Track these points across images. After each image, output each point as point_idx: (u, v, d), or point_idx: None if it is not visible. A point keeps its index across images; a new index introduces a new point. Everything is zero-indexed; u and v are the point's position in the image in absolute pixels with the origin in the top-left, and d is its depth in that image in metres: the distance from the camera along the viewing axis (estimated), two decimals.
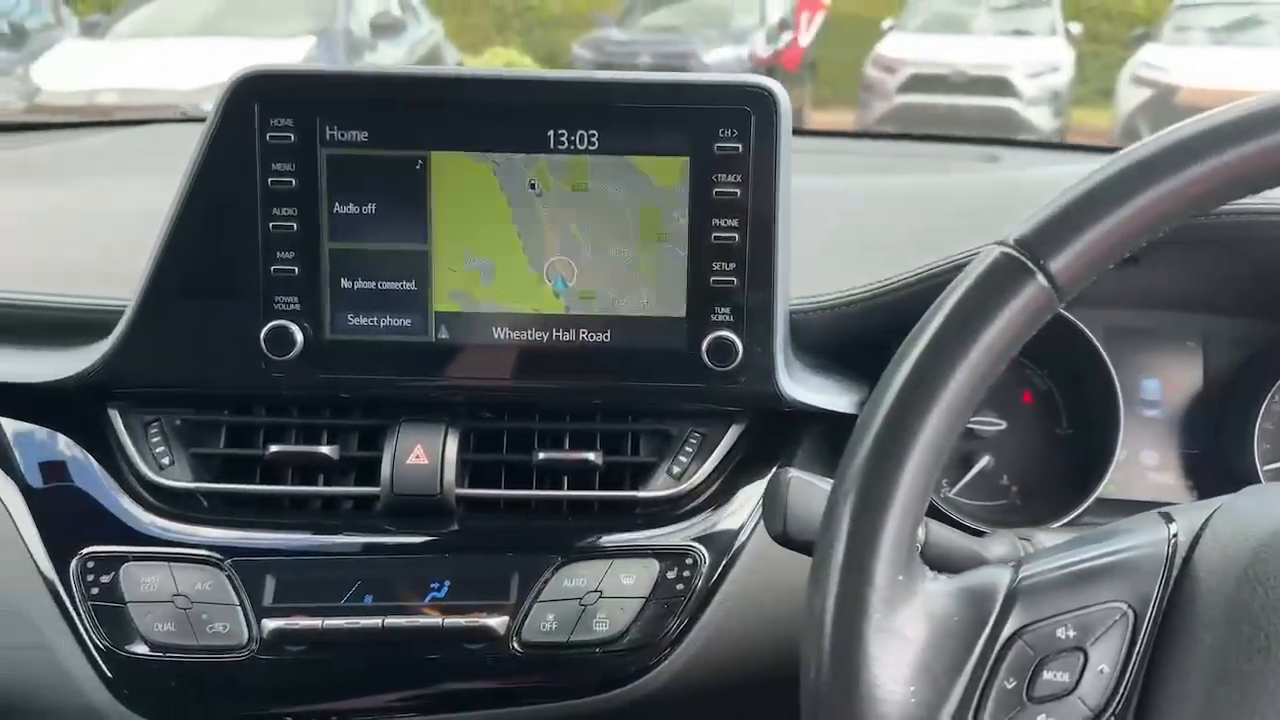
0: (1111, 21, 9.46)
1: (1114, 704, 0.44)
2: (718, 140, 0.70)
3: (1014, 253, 0.45)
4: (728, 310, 0.72)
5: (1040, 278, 0.45)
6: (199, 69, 4.61)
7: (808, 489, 0.56)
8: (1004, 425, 0.83)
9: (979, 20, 7.77)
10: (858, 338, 0.78)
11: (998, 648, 0.45)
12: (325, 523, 0.75)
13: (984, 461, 0.83)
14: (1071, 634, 0.45)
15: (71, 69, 5.32)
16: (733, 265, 0.72)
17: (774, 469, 0.76)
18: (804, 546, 0.57)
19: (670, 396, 0.75)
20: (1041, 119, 6.75)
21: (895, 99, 6.83)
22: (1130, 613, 0.45)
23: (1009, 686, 0.44)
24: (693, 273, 0.72)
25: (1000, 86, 6.83)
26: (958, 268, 0.75)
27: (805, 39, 6.30)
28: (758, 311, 0.72)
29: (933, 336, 0.45)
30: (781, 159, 0.70)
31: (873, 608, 0.44)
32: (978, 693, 0.45)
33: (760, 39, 7.53)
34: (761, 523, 0.74)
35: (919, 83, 6.86)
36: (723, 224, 0.71)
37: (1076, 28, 7.90)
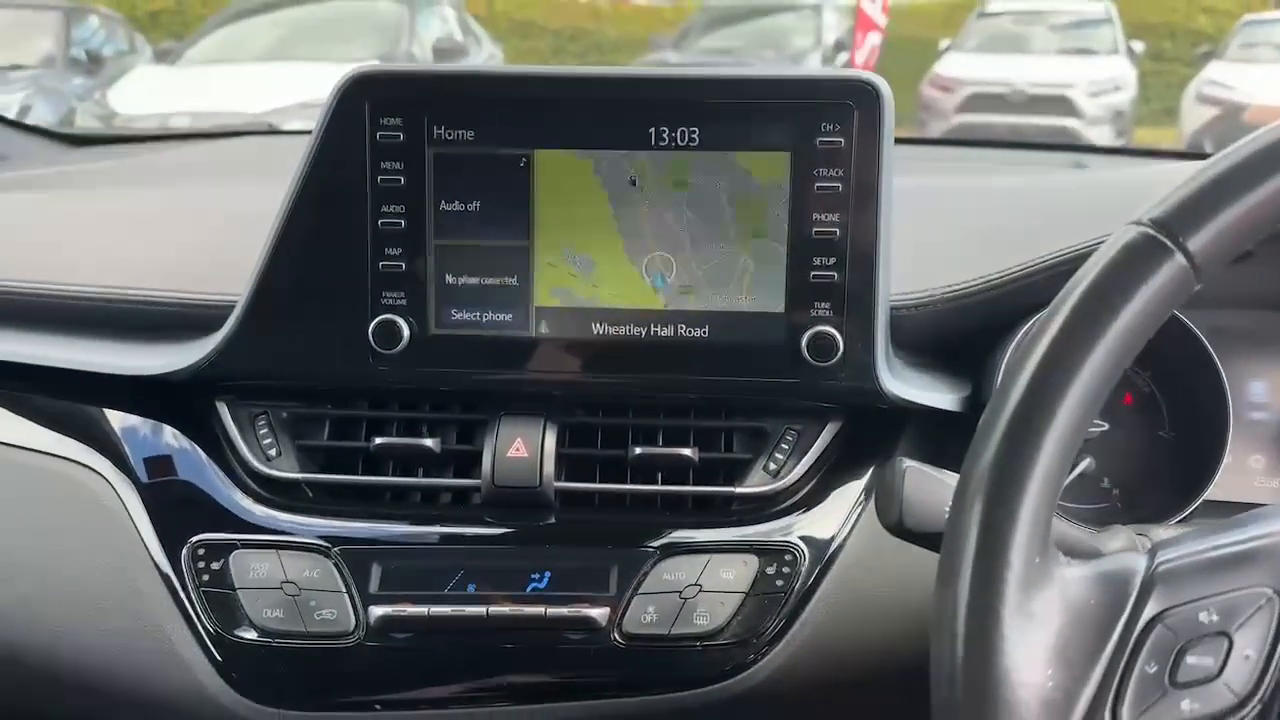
0: (1175, 39, 9.32)
1: (1261, 690, 0.43)
2: (820, 135, 0.71)
3: (1151, 232, 0.45)
4: (828, 305, 0.72)
5: (1179, 256, 0.44)
6: (268, 92, 4.74)
7: (924, 478, 0.56)
8: (1105, 427, 0.82)
9: (1039, 39, 7.69)
10: (957, 335, 0.77)
11: (1137, 632, 0.44)
12: (427, 513, 0.76)
13: (1085, 463, 0.82)
14: (1214, 618, 0.44)
15: (146, 94, 5.49)
16: (833, 260, 0.72)
17: (872, 467, 0.76)
18: (920, 537, 0.57)
19: (768, 392, 0.75)
20: (1103, 138, 6.65)
21: (953, 119, 6.79)
22: (1276, 599, 0.44)
23: (1150, 671, 0.44)
24: (792, 267, 0.72)
25: (1061, 105, 6.76)
26: (1062, 262, 0.75)
27: (861, 59, 6.31)
28: (858, 306, 0.72)
29: (1069, 315, 0.45)
30: (885, 153, 0.70)
31: (1009, 590, 0.44)
32: (1117, 677, 0.44)
33: (816, 60, 7.54)
34: (861, 520, 0.74)
35: (978, 102, 6.81)
36: (824, 219, 0.72)
37: (1139, 46, 7.78)
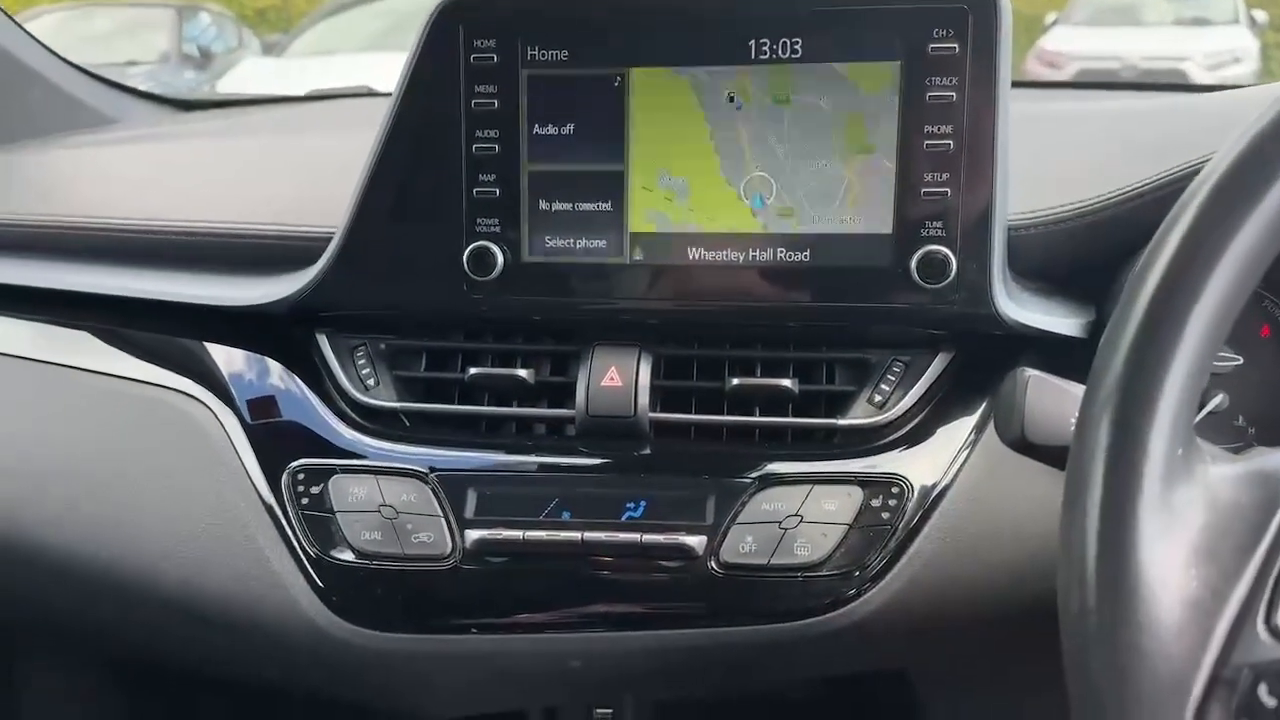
0: None
1: None
2: (932, 42, 0.67)
3: None
4: (940, 224, 0.69)
5: None
6: (370, 79, 4.83)
7: (1049, 387, 0.52)
8: (1240, 361, 0.76)
9: (1152, 9, 7.34)
10: (1079, 258, 0.73)
11: None
12: (522, 443, 0.75)
13: (1217, 399, 0.76)
14: None
15: (253, 84, 5.67)
16: (946, 175, 0.68)
17: (985, 401, 0.71)
18: (1043, 452, 0.53)
19: (874, 319, 0.71)
20: None
21: None
22: None
23: None
24: (901, 185, 0.69)
25: (1176, 79, 6.43)
26: (1191, 176, 0.70)
27: None
28: (973, 224, 0.68)
29: (1222, 177, 0.41)
30: (1001, 60, 0.66)
31: (1147, 482, 0.40)
32: (1272, 578, 0.40)
33: None
34: (974, 455, 0.70)
35: (1087, 77, 6.54)
36: (936, 130, 0.68)
37: (1262, 15, 7.35)
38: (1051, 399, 0.52)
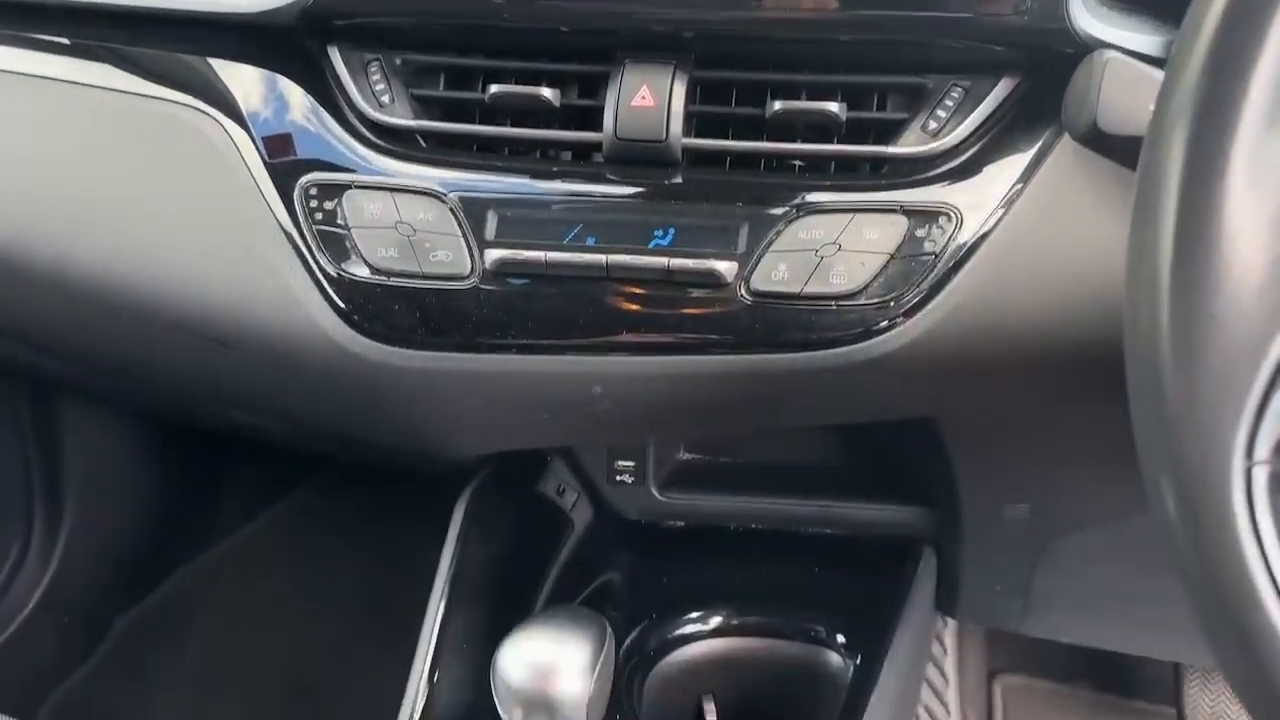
0: None
1: None
2: None
3: None
4: None
5: None
6: None
7: (1129, 72, 0.47)
8: None
9: None
10: None
11: None
12: (545, 169, 0.71)
13: None
14: None
15: None
16: None
17: (1046, 132, 0.66)
18: (1114, 144, 0.48)
19: (938, 29, 0.65)
20: None
21: None
22: None
23: None
24: None
25: None
26: None
27: None
28: None
29: None
30: None
31: (1245, 123, 0.35)
32: None
33: None
34: (1030, 189, 0.65)
35: None
36: None
37: None
38: (1130, 84, 0.46)
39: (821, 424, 0.81)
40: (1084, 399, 0.69)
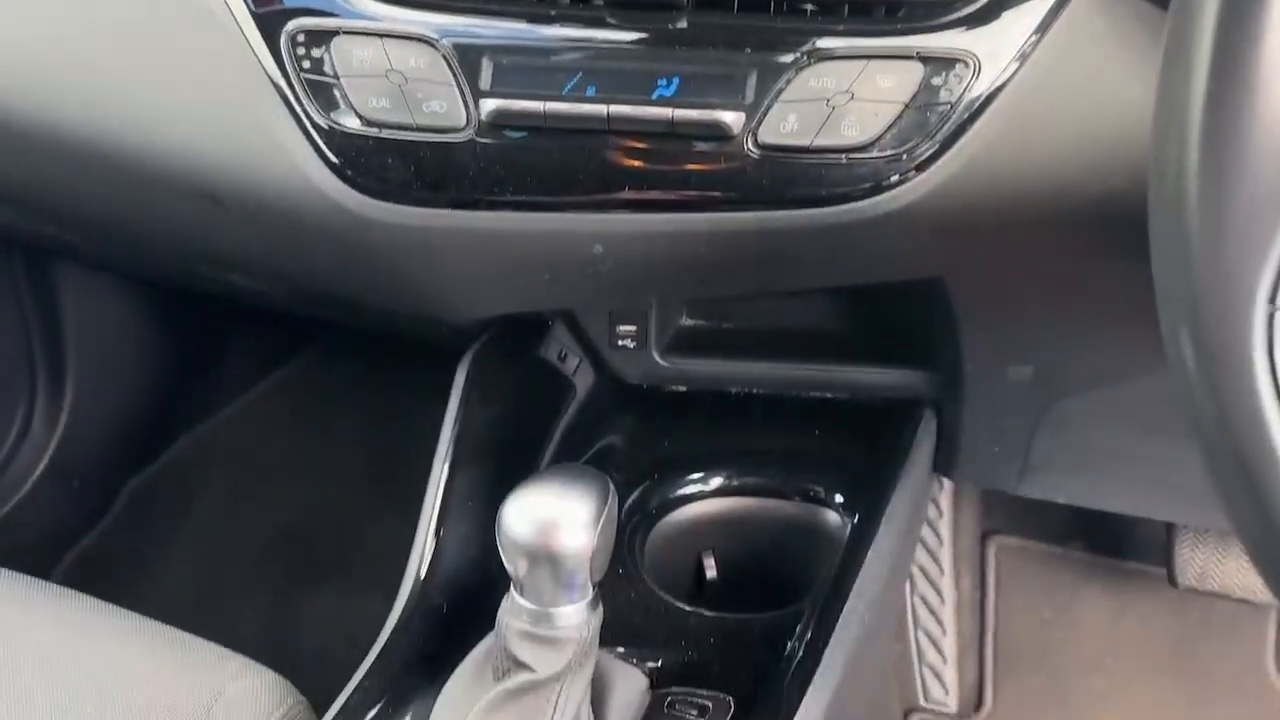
0: None
1: None
2: None
3: None
4: None
5: None
6: None
7: None
8: None
9: None
10: None
11: None
12: (542, 13, 0.67)
13: None
14: None
15: None
16: None
17: None
18: None
19: None
20: None
21: None
22: None
23: None
24: None
25: None
26: None
27: None
28: None
29: None
30: None
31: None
32: None
33: None
34: (1050, 37, 0.61)
35: None
36: None
37: None
38: None
39: (827, 286, 0.80)
40: (1098, 256, 0.67)
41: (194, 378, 1.61)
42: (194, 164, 0.71)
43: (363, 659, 0.72)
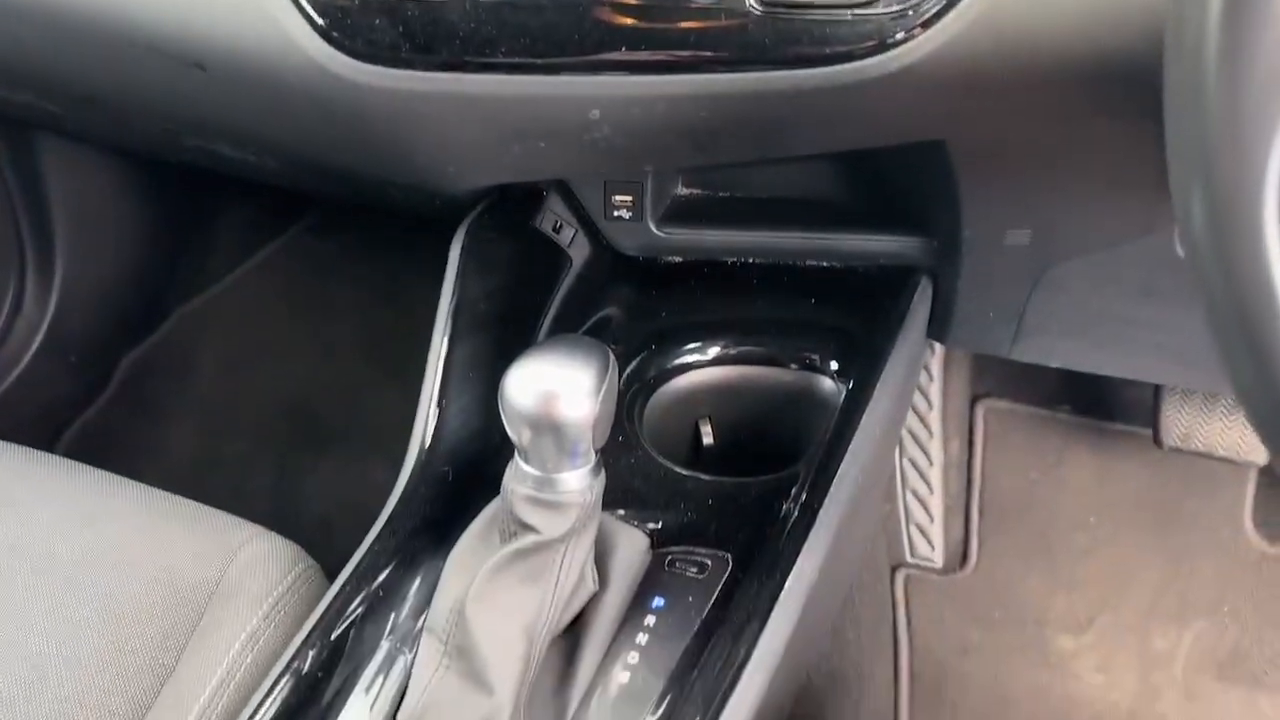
0: None
1: None
2: None
3: None
4: None
5: None
6: None
7: None
8: None
9: None
10: None
11: None
12: None
13: None
14: None
15: None
16: None
17: None
18: None
19: None
20: None
21: None
22: None
23: None
24: None
25: None
26: None
27: None
28: None
29: None
30: None
31: None
32: None
33: None
34: None
35: None
36: None
37: None
38: None
39: (829, 151, 0.78)
40: (1103, 115, 0.66)
41: (183, 251, 1.60)
42: (178, 29, 0.68)
43: (367, 526, 0.73)
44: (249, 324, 1.63)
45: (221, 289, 1.64)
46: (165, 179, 1.46)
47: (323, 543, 0.87)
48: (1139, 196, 0.78)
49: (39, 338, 1.42)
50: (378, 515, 0.74)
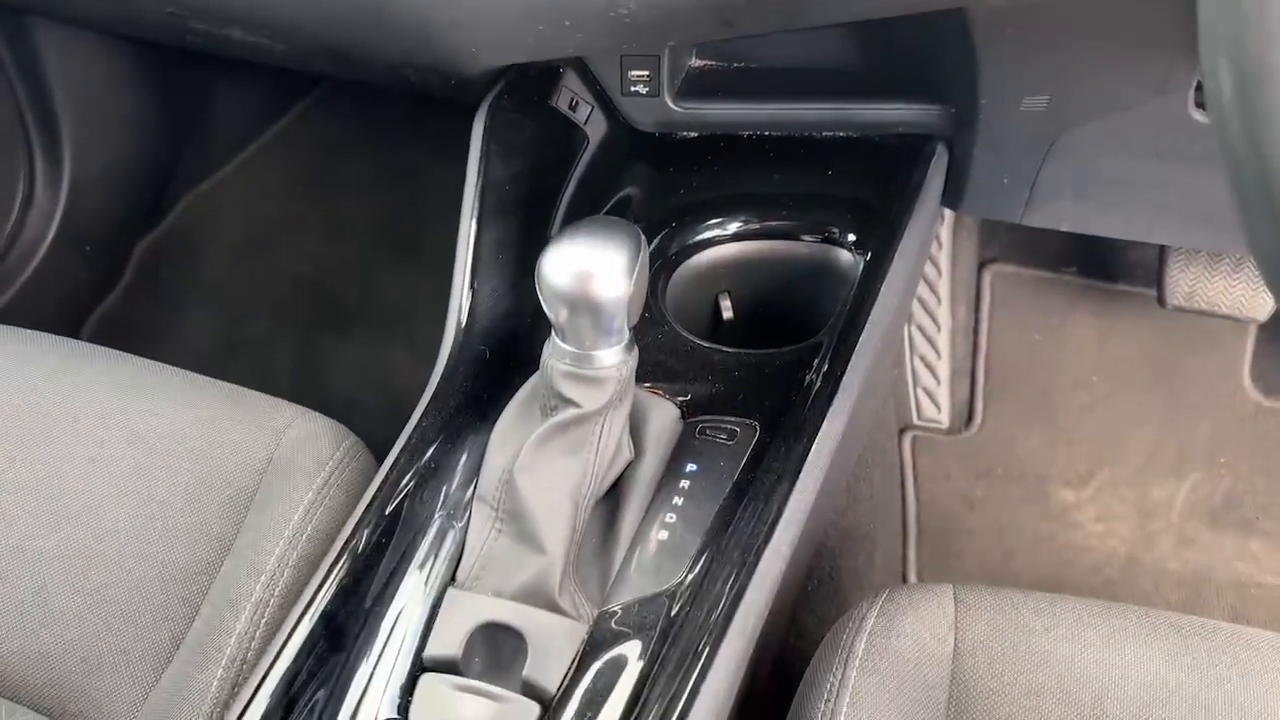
0: None
1: None
2: None
3: None
4: None
5: None
6: None
7: None
8: None
9: None
10: None
11: None
12: None
13: None
14: None
15: None
16: None
17: None
18: None
19: None
20: None
21: None
22: None
23: None
24: None
25: None
26: None
27: None
28: None
29: None
30: None
31: None
32: None
33: None
34: None
35: None
36: None
37: None
38: None
39: (852, 19, 0.78)
40: None
41: (188, 137, 1.59)
42: None
43: (390, 406, 0.75)
44: (258, 206, 1.63)
45: (228, 172, 1.64)
46: (166, 63, 1.44)
47: (352, 419, 0.90)
48: (1157, 57, 0.78)
49: (53, 228, 1.42)
50: (400, 395, 0.76)
